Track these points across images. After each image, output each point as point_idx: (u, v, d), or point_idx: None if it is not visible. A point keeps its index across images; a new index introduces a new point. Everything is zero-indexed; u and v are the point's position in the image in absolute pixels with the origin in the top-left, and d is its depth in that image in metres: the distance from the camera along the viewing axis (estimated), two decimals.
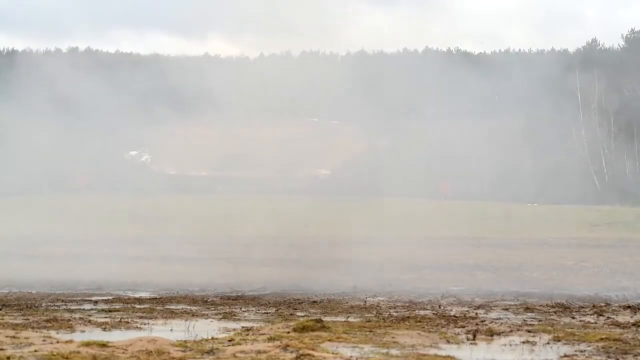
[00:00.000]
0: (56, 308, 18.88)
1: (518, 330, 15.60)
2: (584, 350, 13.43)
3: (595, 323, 17.06)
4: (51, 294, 22.08)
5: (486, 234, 41.04)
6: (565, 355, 13.08)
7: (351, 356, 12.32)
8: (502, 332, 15.29)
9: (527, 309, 19.60)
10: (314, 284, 24.37)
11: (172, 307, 19.45)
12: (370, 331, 15.04)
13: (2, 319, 16.23)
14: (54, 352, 11.96)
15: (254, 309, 19.13)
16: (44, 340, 12.98)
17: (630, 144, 75.46)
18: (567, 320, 17.52)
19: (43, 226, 41.16)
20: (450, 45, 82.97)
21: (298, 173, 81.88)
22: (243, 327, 15.92)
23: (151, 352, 12.14)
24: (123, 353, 12.07)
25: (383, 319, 17.35)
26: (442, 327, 16.01)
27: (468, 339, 14.52)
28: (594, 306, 20.07)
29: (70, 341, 12.97)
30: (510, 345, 14.10)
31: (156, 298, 21.50)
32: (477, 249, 33.44)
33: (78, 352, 11.99)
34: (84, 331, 15.18)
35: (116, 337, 14.02)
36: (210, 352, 12.40)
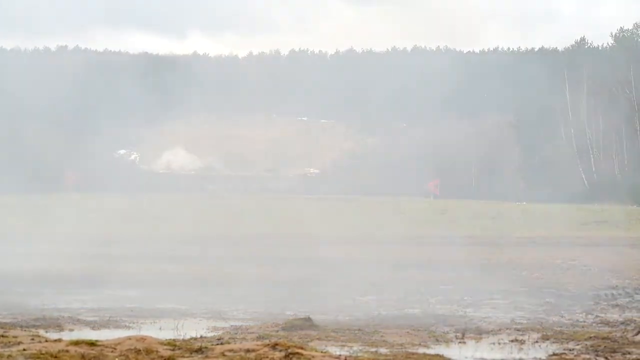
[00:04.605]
0: (45, 307, 18.83)
1: (507, 328, 15.63)
2: (573, 349, 13.47)
3: (584, 322, 17.09)
4: (40, 293, 22.00)
5: (475, 232, 41.12)
6: (554, 354, 13.11)
7: (340, 355, 12.33)
8: (491, 331, 15.31)
9: (516, 307, 19.62)
10: (303, 282, 24.37)
11: (161, 305, 19.42)
12: (359, 330, 15.05)
13: None
14: (42, 351, 11.92)
15: (242, 307, 19.12)
16: (32, 339, 12.93)
17: (619, 142, 75.60)
18: (556, 319, 17.56)
19: (33, 225, 41.04)
20: (439, 44, 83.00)
21: (288, 172, 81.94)
22: (232, 325, 15.92)
23: (140, 350, 12.12)
24: (112, 352, 12.04)
25: (372, 317, 17.37)
26: (431, 325, 16.03)
27: (457, 338, 14.54)
28: (582, 305, 20.10)
29: (59, 340, 12.93)
30: (499, 343, 14.13)
31: (145, 296, 21.46)
32: (465, 248, 33.49)
33: (67, 351, 11.96)
34: (72, 330, 15.15)
35: (105, 335, 14.00)
36: (199, 350, 12.38)
